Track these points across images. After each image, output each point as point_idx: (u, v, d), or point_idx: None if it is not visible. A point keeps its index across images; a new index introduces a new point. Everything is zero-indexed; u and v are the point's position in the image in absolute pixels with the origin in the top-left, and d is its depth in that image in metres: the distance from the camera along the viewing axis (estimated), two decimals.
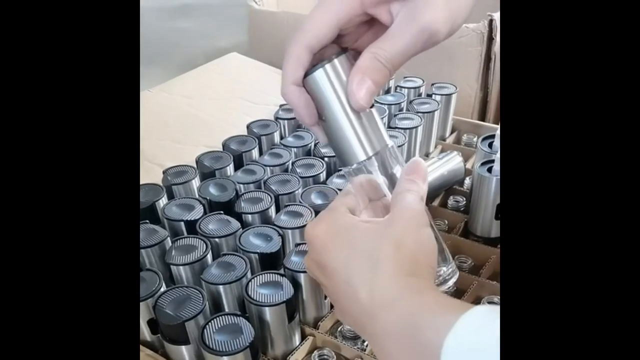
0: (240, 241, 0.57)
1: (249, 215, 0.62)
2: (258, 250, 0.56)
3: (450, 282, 0.41)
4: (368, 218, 0.40)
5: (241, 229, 0.59)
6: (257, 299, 0.49)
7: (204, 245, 0.56)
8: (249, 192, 0.65)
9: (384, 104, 0.82)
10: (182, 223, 0.61)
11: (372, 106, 0.38)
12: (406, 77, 0.91)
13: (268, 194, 0.64)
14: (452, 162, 0.74)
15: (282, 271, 0.53)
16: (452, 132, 0.90)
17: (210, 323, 0.48)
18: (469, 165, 0.79)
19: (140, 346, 0.53)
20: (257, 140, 0.76)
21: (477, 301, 0.60)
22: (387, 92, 0.90)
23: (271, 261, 0.56)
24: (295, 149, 0.76)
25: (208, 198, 0.64)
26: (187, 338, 0.49)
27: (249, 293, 0.50)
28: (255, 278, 0.52)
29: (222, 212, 0.62)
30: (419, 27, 0.34)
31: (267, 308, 0.49)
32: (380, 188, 0.40)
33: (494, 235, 0.67)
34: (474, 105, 1.05)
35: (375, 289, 0.34)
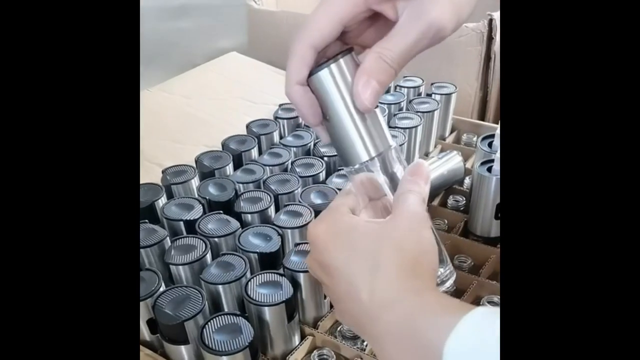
0: (239, 241, 0.57)
1: (249, 215, 0.62)
2: (257, 250, 0.56)
3: (448, 283, 0.41)
4: (369, 218, 0.41)
5: (240, 229, 0.59)
6: (257, 299, 0.49)
7: (204, 245, 0.56)
8: (249, 191, 0.65)
9: (384, 104, 0.82)
10: (182, 223, 0.61)
11: (377, 107, 0.38)
12: (406, 76, 0.91)
13: (267, 194, 0.64)
14: (451, 162, 0.74)
15: (281, 271, 0.53)
16: (451, 132, 0.90)
17: (209, 323, 0.48)
18: (468, 165, 0.79)
19: (140, 346, 0.52)
20: (256, 140, 0.76)
21: (476, 301, 0.60)
22: (387, 91, 0.90)
23: (270, 261, 0.56)
24: (294, 149, 0.76)
25: (207, 198, 0.64)
26: (186, 338, 0.49)
27: (249, 293, 0.50)
28: (255, 278, 0.52)
29: (221, 211, 0.62)
30: (426, 24, 0.34)
31: (266, 308, 0.49)
32: (381, 188, 0.40)
33: (494, 235, 0.67)
34: (474, 105, 1.05)
35: (377, 289, 0.34)
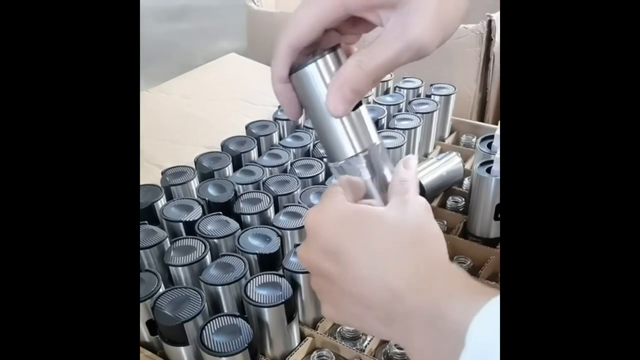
0: (239, 242, 0.57)
1: (248, 216, 0.62)
2: (257, 251, 0.56)
3: None
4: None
5: (240, 230, 0.59)
6: (256, 300, 0.49)
7: (203, 246, 0.56)
8: (248, 192, 0.65)
9: (383, 105, 0.82)
10: (181, 224, 0.61)
11: (360, 104, 0.38)
12: (405, 77, 0.91)
13: (267, 195, 0.64)
14: (451, 163, 0.74)
15: (281, 272, 0.53)
16: (451, 133, 0.90)
17: (209, 324, 0.48)
18: (467, 166, 0.79)
19: (139, 347, 0.52)
20: (256, 141, 0.76)
21: None
22: (386, 92, 0.90)
23: (270, 262, 0.56)
24: (294, 150, 0.76)
25: (207, 199, 0.64)
26: (186, 339, 0.49)
27: (248, 294, 0.50)
28: (254, 279, 0.52)
29: (220, 212, 0.61)
30: (406, 43, 0.33)
31: (266, 309, 0.49)
32: (365, 185, 0.40)
33: (493, 236, 0.67)
34: (473, 106, 1.05)
35: (404, 271, 0.34)
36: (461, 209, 0.74)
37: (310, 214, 0.38)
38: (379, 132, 0.75)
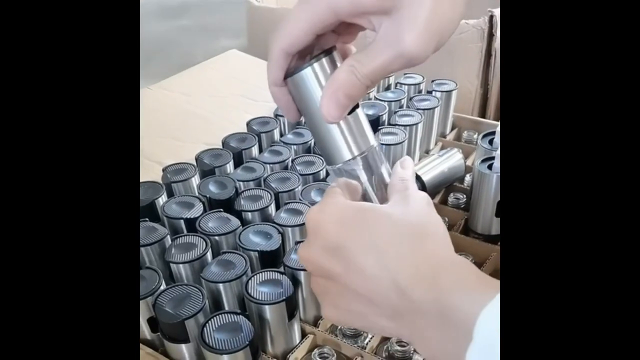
0: (240, 239, 0.57)
1: (249, 213, 0.62)
2: (258, 248, 0.56)
3: None
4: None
5: (241, 227, 0.59)
6: (257, 297, 0.49)
7: (204, 243, 0.56)
8: (249, 189, 0.65)
9: (384, 101, 0.82)
10: (182, 221, 0.61)
11: (357, 107, 0.37)
12: (406, 73, 0.91)
13: (268, 192, 0.64)
14: (452, 159, 0.74)
15: (282, 269, 0.53)
16: (452, 129, 0.90)
17: (210, 321, 0.48)
18: (469, 162, 0.79)
19: (140, 344, 0.52)
20: (256, 138, 0.76)
21: None
22: (387, 88, 0.90)
23: (271, 259, 0.56)
24: (295, 147, 0.75)
25: (208, 196, 0.64)
26: (187, 336, 0.49)
27: (249, 291, 0.50)
28: (255, 276, 0.52)
29: (221, 209, 0.61)
30: (397, 52, 0.33)
31: (267, 306, 0.49)
32: (363, 187, 0.40)
33: (495, 233, 0.67)
34: (475, 102, 1.05)
35: (410, 265, 0.34)
36: (462, 206, 0.74)
37: (310, 213, 0.38)
38: (380, 129, 0.75)
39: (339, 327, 0.56)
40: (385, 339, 0.55)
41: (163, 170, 0.70)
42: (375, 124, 0.77)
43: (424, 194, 0.38)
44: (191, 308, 0.48)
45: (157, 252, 0.57)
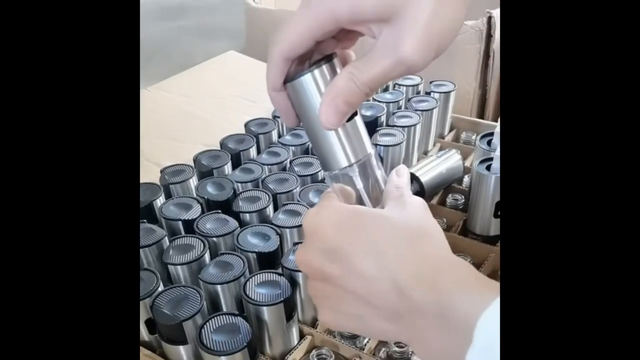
0: (238, 240, 0.57)
1: (247, 214, 0.61)
2: (256, 250, 0.55)
3: None
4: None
5: (239, 228, 0.59)
6: (255, 299, 0.49)
7: (202, 244, 0.56)
8: (247, 191, 0.65)
9: (382, 102, 0.82)
10: (180, 222, 0.61)
11: (355, 114, 0.38)
12: None
13: (266, 193, 0.64)
14: (450, 160, 0.74)
15: (280, 270, 0.53)
16: (450, 130, 0.90)
17: (208, 323, 0.47)
18: (467, 163, 0.79)
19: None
20: (255, 139, 0.76)
21: None
22: (386, 90, 0.90)
23: (269, 260, 0.56)
24: (293, 148, 0.75)
25: (206, 197, 0.64)
26: (185, 338, 0.48)
27: (247, 292, 0.50)
28: (253, 277, 0.51)
29: (219, 211, 0.61)
30: (396, 60, 0.33)
31: (265, 307, 0.49)
32: (358, 193, 0.40)
33: (493, 234, 0.67)
34: (473, 103, 1.05)
35: (409, 266, 0.34)
36: (461, 207, 0.74)
37: (307, 217, 0.38)
38: (378, 130, 0.75)
39: None
40: (383, 340, 0.55)
41: (161, 171, 0.70)
42: (374, 125, 0.77)
43: (420, 199, 0.38)
44: (189, 309, 0.48)
45: (155, 253, 0.57)
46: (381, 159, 0.72)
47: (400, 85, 0.88)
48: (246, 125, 0.80)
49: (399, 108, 0.83)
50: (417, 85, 0.88)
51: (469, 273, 0.33)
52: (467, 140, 0.88)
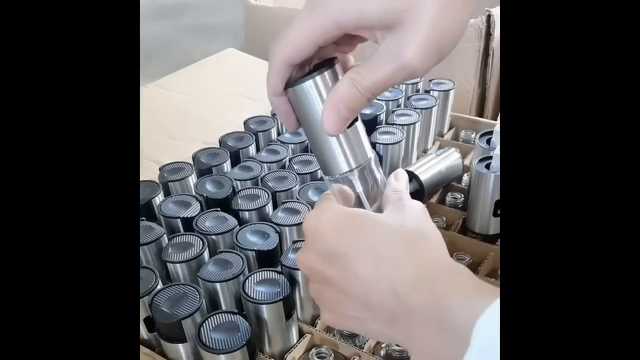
0: (237, 239, 0.57)
1: (246, 213, 0.61)
2: (255, 248, 0.55)
3: None
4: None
5: (238, 227, 0.59)
6: (255, 297, 0.49)
7: (201, 242, 0.56)
8: (246, 189, 0.65)
9: (382, 101, 0.82)
10: (179, 220, 0.60)
11: (357, 120, 0.38)
12: None
13: (265, 191, 0.64)
14: (450, 159, 0.74)
15: (279, 269, 0.53)
16: (450, 129, 0.90)
17: (207, 321, 0.47)
18: (467, 162, 0.79)
19: None
20: (254, 137, 0.76)
21: None
22: None
23: (268, 259, 0.56)
24: (292, 146, 0.75)
25: (205, 195, 0.64)
26: (184, 336, 0.48)
27: (246, 291, 0.50)
28: (253, 276, 0.51)
29: (219, 209, 0.61)
30: (398, 66, 0.33)
31: (264, 306, 0.49)
32: (358, 197, 0.40)
33: (493, 232, 0.67)
34: (472, 102, 1.05)
35: (407, 271, 0.34)
36: (460, 206, 0.74)
37: (307, 220, 0.39)
38: (377, 128, 0.75)
39: None
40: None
41: (160, 169, 0.70)
42: (373, 123, 0.77)
43: (419, 203, 0.39)
44: (188, 308, 0.48)
45: (154, 251, 0.57)
46: (380, 158, 0.72)
47: (400, 83, 0.88)
48: (245, 123, 0.80)
49: (399, 106, 0.83)
50: (417, 83, 0.88)
51: (466, 277, 0.33)
52: (467, 139, 0.88)
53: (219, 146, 0.75)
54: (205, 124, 0.91)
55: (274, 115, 0.82)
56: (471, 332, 0.28)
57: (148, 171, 0.74)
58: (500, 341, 0.26)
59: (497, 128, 0.68)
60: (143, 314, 0.51)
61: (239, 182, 0.67)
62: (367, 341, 0.54)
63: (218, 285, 0.52)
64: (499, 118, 0.72)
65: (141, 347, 0.53)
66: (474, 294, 0.31)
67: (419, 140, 0.80)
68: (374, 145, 0.72)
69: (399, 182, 0.41)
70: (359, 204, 0.40)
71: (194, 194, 0.65)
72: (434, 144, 0.86)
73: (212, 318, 0.48)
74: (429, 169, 0.71)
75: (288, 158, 0.72)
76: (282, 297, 0.49)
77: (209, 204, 0.63)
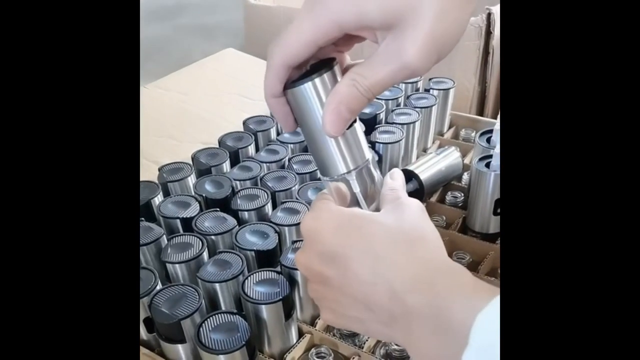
0: (236, 239, 0.57)
1: (245, 213, 0.61)
2: (254, 248, 0.55)
3: None
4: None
5: (237, 227, 0.59)
6: (254, 297, 0.49)
7: (200, 242, 0.56)
8: (245, 189, 0.65)
9: (381, 99, 0.82)
10: (178, 220, 0.60)
11: (355, 121, 0.37)
12: None
13: (264, 191, 0.64)
14: (450, 158, 0.74)
15: (278, 269, 0.53)
16: (450, 127, 0.89)
17: (206, 321, 0.47)
18: (467, 161, 0.79)
19: None
20: (253, 137, 0.76)
21: None
22: None
23: (268, 258, 0.56)
24: (291, 145, 0.75)
25: (204, 195, 0.64)
26: (183, 337, 0.48)
27: (245, 291, 0.50)
28: (252, 276, 0.51)
29: (218, 209, 0.61)
30: (399, 65, 0.33)
31: (263, 306, 0.48)
32: (355, 197, 0.40)
33: (493, 231, 0.67)
34: (472, 100, 1.05)
35: (405, 271, 0.34)
36: (460, 204, 0.74)
37: (305, 221, 0.39)
38: (377, 127, 0.75)
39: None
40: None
41: (159, 169, 0.69)
42: (373, 122, 0.77)
43: (417, 201, 0.39)
44: (187, 308, 0.48)
45: (153, 252, 0.57)
46: (380, 157, 0.72)
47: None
48: (244, 122, 0.80)
49: (398, 105, 0.83)
50: (416, 82, 0.88)
51: (464, 276, 0.33)
52: (467, 138, 0.88)
53: (218, 146, 0.75)
54: (205, 124, 0.90)
55: (272, 115, 0.82)
56: (470, 330, 0.28)
57: (147, 171, 0.74)
58: (500, 340, 0.26)
59: (497, 126, 0.68)
60: (142, 315, 0.51)
61: (238, 182, 0.67)
62: (367, 340, 0.53)
63: (217, 286, 0.52)
64: (498, 116, 0.72)
65: (140, 347, 0.52)
66: (472, 293, 0.31)
67: (419, 139, 0.80)
68: (373, 144, 0.72)
69: (395, 181, 0.41)
70: (356, 204, 0.40)
71: (193, 194, 0.65)
72: (433, 142, 0.85)
73: (211, 318, 0.48)
74: (428, 168, 0.71)
75: (287, 158, 0.72)
76: (281, 297, 0.48)
77: (208, 204, 0.63)
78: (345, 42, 0.38)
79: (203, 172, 0.70)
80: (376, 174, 0.41)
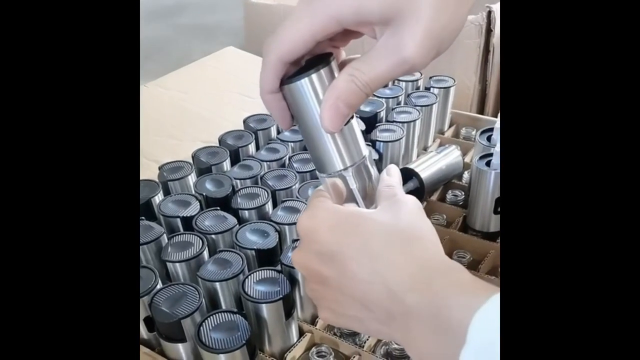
0: (236, 237, 0.57)
1: (246, 211, 0.61)
2: (255, 247, 0.55)
3: None
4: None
5: (238, 225, 0.59)
6: (254, 296, 0.49)
7: (200, 241, 0.56)
8: (246, 187, 0.65)
9: (382, 98, 0.81)
10: (178, 219, 0.60)
11: (352, 117, 0.37)
12: None
13: (265, 190, 0.64)
14: (450, 156, 0.73)
15: (279, 267, 0.53)
16: (450, 126, 0.89)
17: (206, 320, 0.47)
18: (467, 159, 0.79)
19: None
20: (253, 135, 0.76)
21: None
22: (385, 85, 0.89)
23: (268, 257, 0.56)
24: (292, 144, 0.75)
25: (204, 194, 0.64)
26: (183, 336, 0.48)
27: (246, 290, 0.49)
28: (252, 275, 0.51)
29: (218, 208, 0.61)
30: (398, 60, 0.33)
31: (264, 305, 0.48)
32: (351, 194, 0.40)
33: (493, 230, 0.67)
34: (473, 98, 1.05)
35: (402, 269, 0.34)
36: (461, 203, 0.74)
37: (301, 220, 0.38)
38: (377, 125, 0.75)
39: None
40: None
41: (159, 168, 0.69)
42: (373, 120, 0.77)
43: (413, 198, 0.39)
44: (188, 307, 0.48)
45: (154, 250, 0.57)
46: (380, 155, 0.72)
47: (399, 80, 0.87)
48: (245, 121, 0.80)
49: (399, 104, 0.83)
50: (417, 80, 0.87)
51: (462, 274, 0.33)
52: (467, 136, 0.88)
53: (218, 144, 0.75)
54: (205, 123, 0.90)
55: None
56: (467, 328, 0.28)
57: (147, 170, 0.74)
58: (500, 338, 0.26)
59: (498, 125, 0.68)
60: (142, 314, 0.51)
61: (238, 181, 0.67)
62: (367, 339, 0.53)
63: (217, 284, 0.52)
64: (499, 115, 0.72)
65: (141, 346, 0.52)
66: (470, 290, 0.31)
67: (419, 137, 0.80)
68: (373, 142, 0.71)
69: (392, 177, 0.41)
70: (353, 201, 0.40)
71: (194, 192, 0.65)
72: (434, 141, 0.85)
73: (211, 317, 0.48)
74: (429, 167, 0.71)
75: (287, 156, 0.72)
76: (281, 296, 0.48)
77: (209, 202, 0.63)
78: (342, 37, 0.37)
79: (203, 170, 0.70)
80: (373, 170, 0.41)
